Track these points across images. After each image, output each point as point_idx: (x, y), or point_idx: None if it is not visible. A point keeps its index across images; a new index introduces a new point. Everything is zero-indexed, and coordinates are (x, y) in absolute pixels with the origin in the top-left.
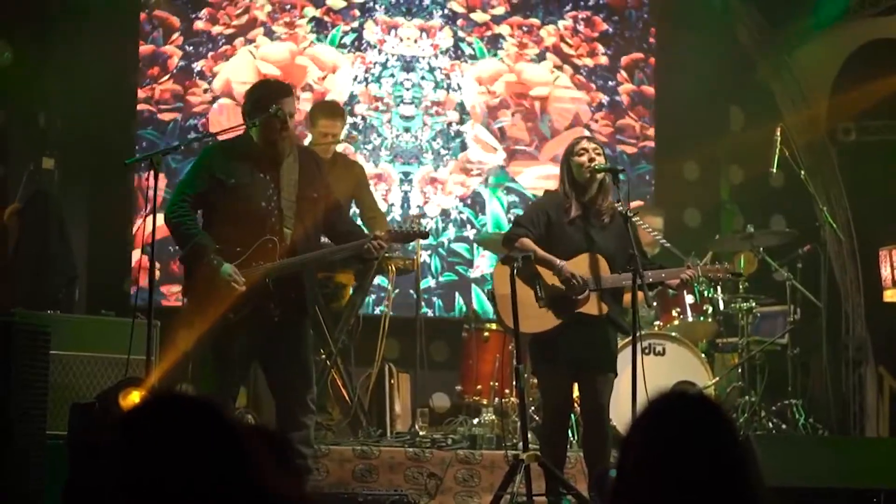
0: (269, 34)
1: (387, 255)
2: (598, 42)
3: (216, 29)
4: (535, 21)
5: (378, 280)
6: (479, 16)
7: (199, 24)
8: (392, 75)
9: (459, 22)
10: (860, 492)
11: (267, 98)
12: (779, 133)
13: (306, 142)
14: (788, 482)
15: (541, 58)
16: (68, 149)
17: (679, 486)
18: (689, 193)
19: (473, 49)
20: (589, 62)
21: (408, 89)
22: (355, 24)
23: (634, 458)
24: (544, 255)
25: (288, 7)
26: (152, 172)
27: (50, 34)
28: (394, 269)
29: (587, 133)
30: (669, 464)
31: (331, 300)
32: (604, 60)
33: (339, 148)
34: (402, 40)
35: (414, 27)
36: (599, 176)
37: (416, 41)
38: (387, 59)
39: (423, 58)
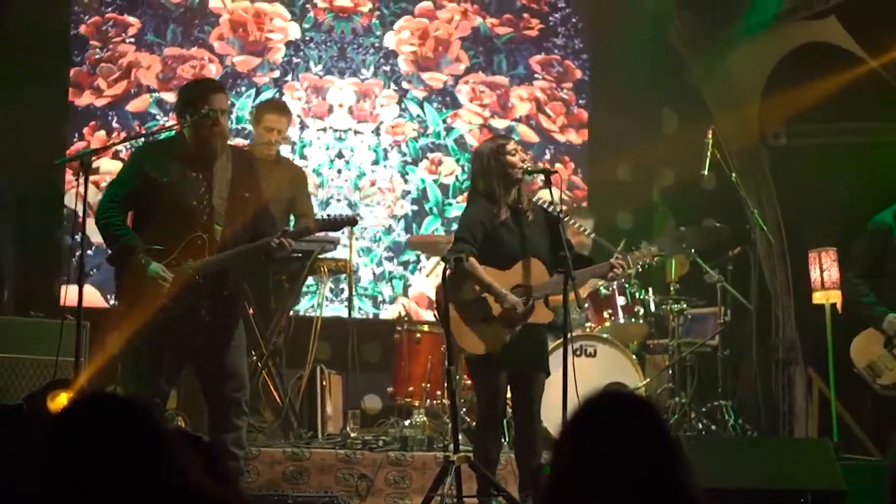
0: (160, 105)
1: (319, 256)
2: (580, 108)
3: (84, 99)
4: (501, 79)
5: None
6: (432, 76)
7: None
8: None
9: (403, 71)
10: (788, 492)
11: (198, 95)
12: (710, 136)
13: (249, 140)
14: (717, 483)
15: (515, 119)
16: None
17: (613, 484)
18: (621, 196)
19: (424, 115)
20: (575, 139)
21: (341, 175)
22: (276, 75)
23: (569, 457)
24: (489, 283)
25: (187, 62)
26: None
27: None
28: (325, 270)
29: None
30: (603, 462)
31: (264, 302)
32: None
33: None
34: (331, 110)
35: (349, 87)
36: (527, 177)
37: (350, 109)
38: (311, 141)
39: (360, 134)
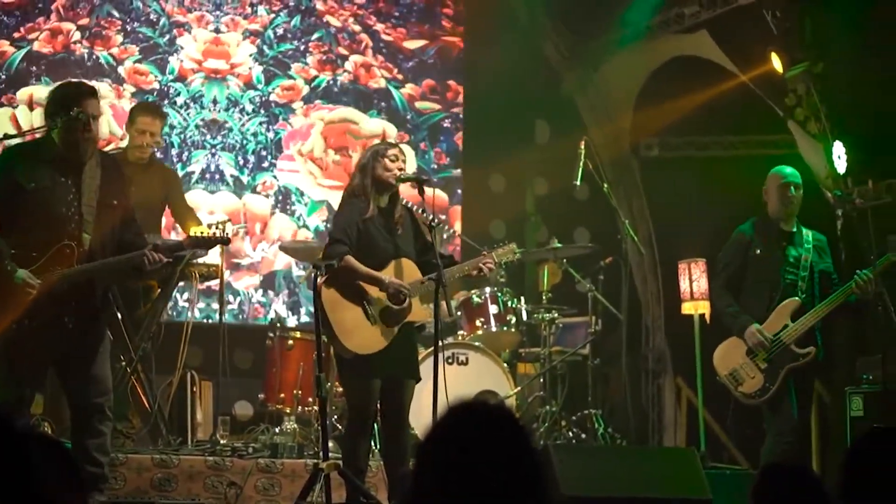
0: None
1: (190, 262)
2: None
3: None
4: (440, 196)
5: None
6: (333, 184)
7: None
8: None
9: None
10: (655, 501)
11: (69, 99)
12: (583, 146)
13: (124, 143)
14: (586, 492)
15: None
16: None
17: (474, 493)
18: (494, 205)
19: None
20: None
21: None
22: None
23: (431, 466)
24: (369, 273)
25: None
26: None
27: None
28: (197, 275)
29: None
30: (464, 472)
31: (133, 307)
32: None
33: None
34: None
35: (226, 194)
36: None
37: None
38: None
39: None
